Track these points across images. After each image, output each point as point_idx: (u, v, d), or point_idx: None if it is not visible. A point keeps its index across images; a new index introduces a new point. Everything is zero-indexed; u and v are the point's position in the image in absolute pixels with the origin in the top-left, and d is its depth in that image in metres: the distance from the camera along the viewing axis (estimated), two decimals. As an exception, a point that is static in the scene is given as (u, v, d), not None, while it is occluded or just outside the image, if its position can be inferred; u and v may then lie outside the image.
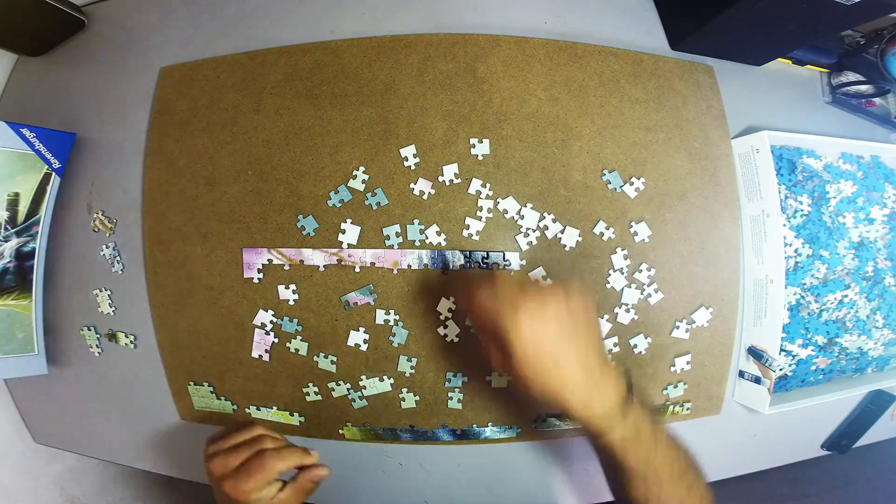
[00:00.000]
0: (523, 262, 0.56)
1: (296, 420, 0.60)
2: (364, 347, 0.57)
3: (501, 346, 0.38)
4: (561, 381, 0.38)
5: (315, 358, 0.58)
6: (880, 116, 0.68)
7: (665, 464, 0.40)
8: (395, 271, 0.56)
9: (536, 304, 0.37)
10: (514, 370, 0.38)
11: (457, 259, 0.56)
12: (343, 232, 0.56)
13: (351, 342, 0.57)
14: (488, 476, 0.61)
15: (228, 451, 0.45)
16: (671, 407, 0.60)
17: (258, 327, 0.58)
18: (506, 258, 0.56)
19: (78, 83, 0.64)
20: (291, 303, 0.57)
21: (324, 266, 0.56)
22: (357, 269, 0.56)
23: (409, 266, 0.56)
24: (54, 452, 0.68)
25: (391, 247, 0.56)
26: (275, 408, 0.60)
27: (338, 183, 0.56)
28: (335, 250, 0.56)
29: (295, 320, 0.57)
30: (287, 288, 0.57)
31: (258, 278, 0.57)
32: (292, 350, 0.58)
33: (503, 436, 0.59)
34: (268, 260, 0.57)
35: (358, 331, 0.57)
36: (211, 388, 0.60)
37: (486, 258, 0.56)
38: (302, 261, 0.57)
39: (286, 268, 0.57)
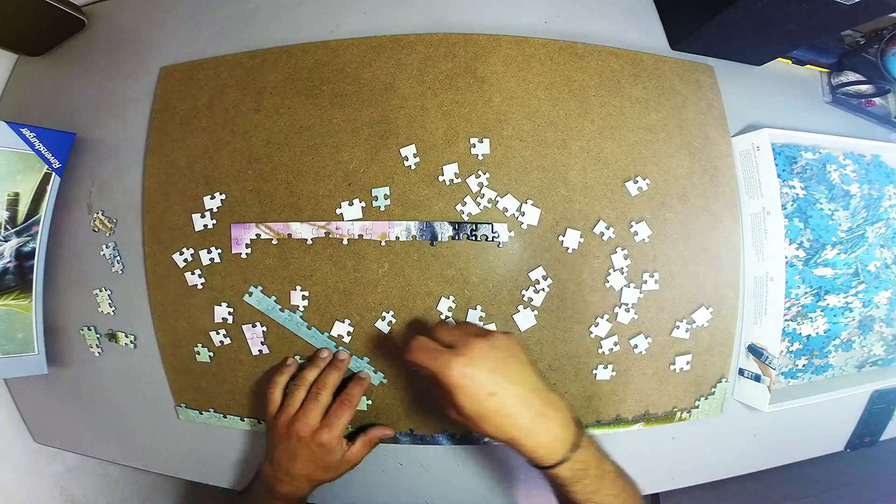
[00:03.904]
0: (512, 234, 0.56)
1: None
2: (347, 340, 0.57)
3: (447, 398, 0.41)
4: (501, 417, 0.39)
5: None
6: (880, 116, 0.68)
7: (610, 496, 0.41)
8: (384, 243, 0.56)
9: (463, 352, 0.40)
10: (464, 417, 0.40)
11: (445, 231, 0.55)
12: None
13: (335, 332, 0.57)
14: (489, 476, 0.61)
15: (299, 411, 0.50)
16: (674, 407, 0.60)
17: (249, 326, 0.58)
18: (494, 230, 0.56)
19: (78, 83, 0.64)
20: (301, 310, 0.57)
21: (312, 239, 0.56)
22: (345, 242, 0.56)
23: (398, 238, 0.56)
24: (54, 452, 0.68)
25: (378, 209, 0.55)
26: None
27: (338, 182, 0.56)
28: (323, 223, 0.56)
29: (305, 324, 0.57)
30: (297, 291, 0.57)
31: (246, 253, 0.57)
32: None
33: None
34: (256, 234, 0.57)
35: (343, 322, 0.57)
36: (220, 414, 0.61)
37: (475, 230, 0.56)
38: (290, 234, 0.56)
39: (274, 242, 0.57)
